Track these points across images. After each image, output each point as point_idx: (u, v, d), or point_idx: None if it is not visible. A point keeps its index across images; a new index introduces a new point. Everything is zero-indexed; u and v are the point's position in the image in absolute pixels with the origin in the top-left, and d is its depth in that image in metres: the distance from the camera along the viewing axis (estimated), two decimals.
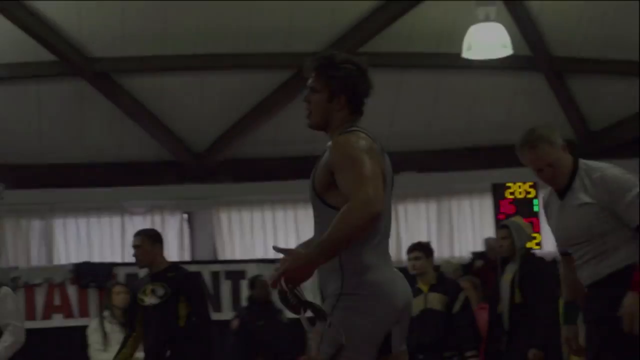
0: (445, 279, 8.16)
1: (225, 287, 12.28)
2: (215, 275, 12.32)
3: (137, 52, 12.13)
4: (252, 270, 12.46)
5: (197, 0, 11.46)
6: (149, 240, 7.11)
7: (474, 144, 13.75)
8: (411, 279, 7.97)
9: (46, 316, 11.86)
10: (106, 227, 13.10)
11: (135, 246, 7.15)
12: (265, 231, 13.38)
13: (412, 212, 13.83)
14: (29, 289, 11.81)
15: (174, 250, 13.34)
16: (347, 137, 3.87)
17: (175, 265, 7.26)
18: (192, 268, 12.28)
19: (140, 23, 11.75)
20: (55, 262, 12.71)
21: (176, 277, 7.02)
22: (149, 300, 6.97)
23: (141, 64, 12.31)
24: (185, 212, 13.49)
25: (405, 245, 13.47)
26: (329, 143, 3.96)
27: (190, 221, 13.57)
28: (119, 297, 9.32)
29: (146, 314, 7.00)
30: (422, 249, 8.03)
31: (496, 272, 7.79)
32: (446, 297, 7.78)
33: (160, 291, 6.97)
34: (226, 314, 12.12)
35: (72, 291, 11.97)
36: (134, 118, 12.81)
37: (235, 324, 10.37)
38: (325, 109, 3.98)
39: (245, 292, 12.18)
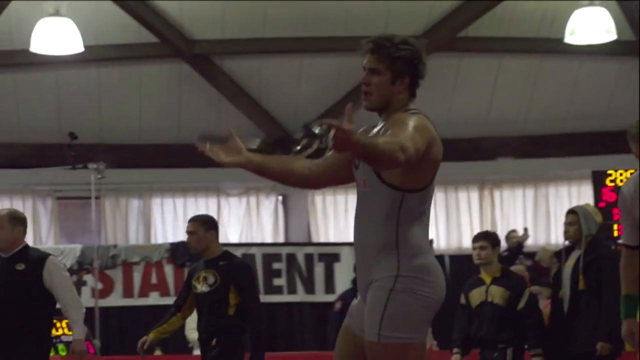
0: (510, 273, 7.98)
1: (319, 269, 12.32)
2: (309, 257, 12.37)
3: (236, 34, 12.22)
4: (345, 253, 12.46)
5: None
6: (202, 227, 7.04)
7: (574, 130, 13.55)
8: (475, 268, 7.86)
9: (143, 294, 12.04)
10: (202, 207, 13.24)
11: (189, 232, 7.11)
12: None
13: (508, 198, 13.70)
14: (127, 267, 11.99)
15: (269, 232, 13.43)
16: (411, 115, 3.87)
17: (228, 253, 7.17)
18: (286, 250, 12.43)
19: (240, 6, 11.84)
20: (153, 241, 12.92)
21: (227, 266, 6.95)
22: (201, 287, 6.94)
23: (240, 47, 12.40)
24: (280, 194, 13.57)
25: (501, 231, 13.43)
26: (380, 122, 3.96)
27: (285, 203, 13.65)
28: None
29: (198, 301, 6.97)
30: (488, 239, 7.87)
31: (561, 257, 7.63)
32: (509, 292, 7.62)
33: (211, 279, 6.92)
34: (319, 296, 12.17)
35: (168, 270, 12.13)
36: (232, 100, 12.92)
37: (337, 306, 10.38)
38: (388, 90, 3.96)
39: (338, 274, 12.21)
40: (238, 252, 12.38)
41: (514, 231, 12.73)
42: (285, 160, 4.15)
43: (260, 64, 12.70)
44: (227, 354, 6.81)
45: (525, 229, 12.84)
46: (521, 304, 7.59)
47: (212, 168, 12.98)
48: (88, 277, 11.54)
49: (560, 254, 7.64)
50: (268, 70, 12.76)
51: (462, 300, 7.81)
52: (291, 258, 12.30)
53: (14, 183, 12.79)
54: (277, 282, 12.25)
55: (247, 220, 13.40)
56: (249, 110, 13.02)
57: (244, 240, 13.12)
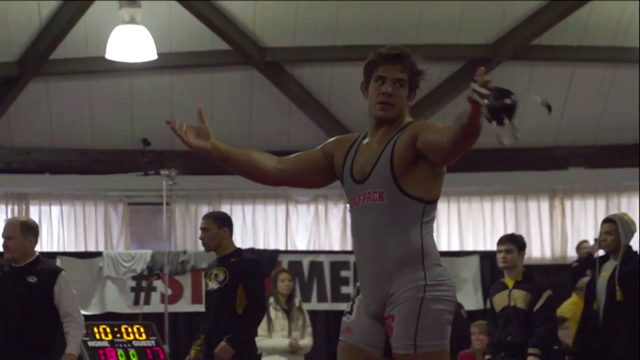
0: (531, 276, 7.85)
1: None
2: None
3: (308, 42, 12.26)
4: None
5: None
6: (216, 224, 6.98)
7: None
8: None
9: None
10: (271, 214, 13.29)
11: (202, 229, 7.07)
12: None
13: (578, 208, 13.54)
14: (196, 272, 12.06)
15: (337, 239, 13.42)
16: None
17: (240, 251, 7.12)
18: (352, 258, 12.38)
19: (312, 14, 11.88)
20: None
21: (238, 263, 6.90)
22: (212, 285, 6.89)
23: (312, 54, 12.43)
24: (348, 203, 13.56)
25: (572, 241, 13.28)
26: (374, 134, 4.00)
27: None
28: (284, 285, 9.42)
29: (208, 298, 6.92)
30: (515, 242, 7.74)
31: (595, 267, 7.47)
32: (531, 295, 7.50)
33: (221, 276, 6.86)
34: None
35: None
36: (302, 107, 12.96)
37: None
38: (405, 103, 4.01)
39: None
40: (306, 260, 12.45)
41: (585, 242, 12.58)
42: (250, 152, 4.25)
43: (332, 72, 12.73)
44: (239, 354, 6.75)
45: (596, 240, 12.66)
46: (537, 306, 7.47)
47: None
48: (158, 283, 11.64)
49: (594, 264, 7.49)
50: (339, 78, 12.77)
51: (488, 305, 7.73)
52: None
53: (87, 188, 12.97)
54: (345, 290, 12.24)
55: (316, 227, 13.42)
56: (319, 118, 13.05)
57: (312, 248, 13.14)
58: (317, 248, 13.11)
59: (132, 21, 11.22)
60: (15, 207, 12.76)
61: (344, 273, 12.25)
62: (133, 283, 12.03)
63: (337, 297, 12.20)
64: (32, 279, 6.54)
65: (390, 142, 3.94)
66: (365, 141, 4.06)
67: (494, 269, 12.10)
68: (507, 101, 3.16)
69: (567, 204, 13.50)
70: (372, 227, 3.93)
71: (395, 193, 3.89)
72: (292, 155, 4.25)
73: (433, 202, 3.93)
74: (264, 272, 7.29)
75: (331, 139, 4.25)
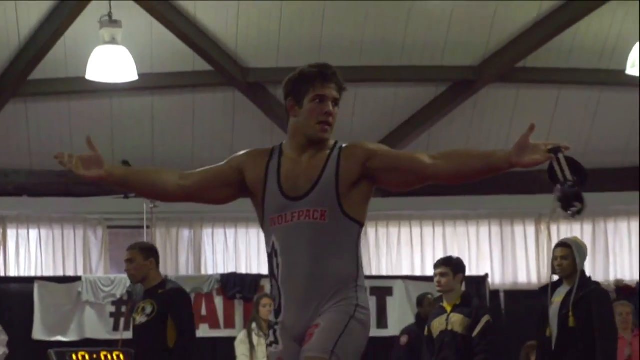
0: (470, 299, 7.68)
1: (371, 303, 12.07)
2: None
3: (291, 63, 12.13)
4: (399, 287, 12.28)
5: (353, 12, 11.43)
6: (141, 255, 6.77)
7: (633, 163, 13.30)
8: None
9: None
10: (254, 238, 13.12)
11: (127, 260, 6.86)
12: (413, 247, 13.22)
13: (565, 233, 13.41)
14: None
15: None
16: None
17: (166, 281, 6.91)
18: None
19: (295, 35, 11.80)
20: (203, 271, 12.81)
21: (164, 293, 6.66)
22: (140, 319, 6.63)
23: None
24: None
25: None
26: (298, 151, 4.00)
27: None
28: (266, 310, 9.30)
29: (136, 333, 6.66)
30: (449, 265, 7.58)
31: (547, 293, 7.30)
32: (469, 319, 7.34)
33: (149, 309, 6.61)
34: (371, 331, 11.94)
35: (218, 302, 12.03)
36: (284, 129, 12.82)
37: (404, 340, 10.26)
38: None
39: (391, 309, 12.05)
40: None
41: None
42: (149, 172, 4.12)
43: None
44: None
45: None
46: (476, 331, 7.32)
47: None
48: None
49: (546, 290, 7.31)
50: None
51: (426, 331, 7.59)
52: None
53: (66, 211, 12.80)
54: None
55: None
56: None
57: None
58: None
59: (113, 41, 11.07)
60: None
61: None
62: (112, 308, 11.87)
63: None
64: None
65: (330, 160, 3.91)
66: (286, 157, 4.00)
67: (480, 293, 11.98)
68: (576, 204, 3.53)
69: (554, 228, 13.41)
70: (309, 246, 3.84)
71: (337, 213, 3.84)
72: (197, 170, 4.17)
73: (362, 226, 3.94)
74: (190, 300, 7.06)
75: (240, 153, 4.15)
